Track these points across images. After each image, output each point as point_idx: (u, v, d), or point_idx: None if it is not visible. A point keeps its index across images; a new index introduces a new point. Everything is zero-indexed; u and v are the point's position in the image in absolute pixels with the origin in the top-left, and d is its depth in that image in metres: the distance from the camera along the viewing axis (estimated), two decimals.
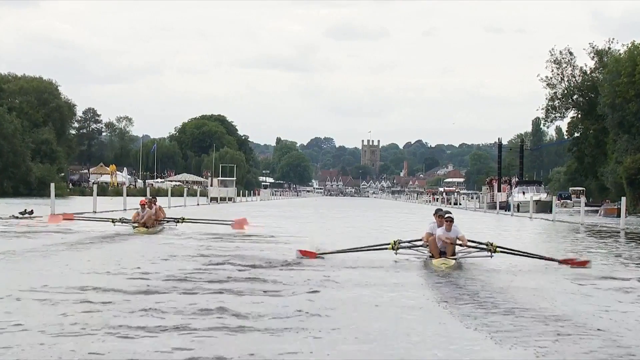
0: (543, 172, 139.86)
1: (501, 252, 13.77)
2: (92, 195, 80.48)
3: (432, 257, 13.42)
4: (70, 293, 9.02)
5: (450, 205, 78.51)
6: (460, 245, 13.60)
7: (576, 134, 73.93)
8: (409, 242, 14.40)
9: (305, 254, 14.24)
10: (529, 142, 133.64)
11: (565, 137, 77.93)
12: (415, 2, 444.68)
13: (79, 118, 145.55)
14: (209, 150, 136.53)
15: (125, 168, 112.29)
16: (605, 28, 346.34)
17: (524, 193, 61.64)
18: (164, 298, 8.79)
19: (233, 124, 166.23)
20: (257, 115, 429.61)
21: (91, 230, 20.40)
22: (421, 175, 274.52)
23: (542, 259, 14.48)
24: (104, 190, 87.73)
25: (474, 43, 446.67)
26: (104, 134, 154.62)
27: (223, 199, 72.02)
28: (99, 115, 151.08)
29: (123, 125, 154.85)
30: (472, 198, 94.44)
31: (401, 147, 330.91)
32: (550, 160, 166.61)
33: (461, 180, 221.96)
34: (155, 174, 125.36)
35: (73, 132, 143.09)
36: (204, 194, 76.71)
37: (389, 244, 14.04)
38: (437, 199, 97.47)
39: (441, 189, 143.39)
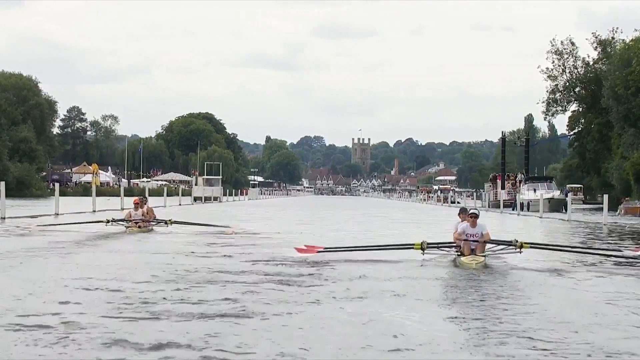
0: (537, 170, 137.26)
1: (530, 247, 13.44)
2: (73, 195, 78.07)
3: (460, 254, 13.17)
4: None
5: (447, 203, 75.46)
6: (483, 242, 13.23)
7: (577, 129, 70.38)
8: (439, 243, 14.18)
9: (302, 251, 13.89)
10: (524, 139, 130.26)
11: (566, 132, 73.65)
12: (402, 1, 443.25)
13: (63, 117, 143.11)
14: (196, 149, 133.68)
15: (109, 167, 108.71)
16: (591, 26, 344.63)
17: (534, 190, 56.12)
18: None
19: (221, 122, 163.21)
20: (247, 114, 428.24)
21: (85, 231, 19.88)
22: (412, 174, 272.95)
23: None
24: (87, 190, 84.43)
25: (462, 41, 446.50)
26: (88, 132, 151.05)
27: (208, 199, 67.86)
28: (83, 114, 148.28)
29: (108, 123, 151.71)
30: (467, 196, 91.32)
31: (392, 145, 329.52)
32: (543, 157, 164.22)
33: (453, 178, 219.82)
34: (141, 173, 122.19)
35: (57, 130, 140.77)
36: (188, 193, 73.25)
37: (414, 243, 13.63)
38: (432, 197, 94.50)
39: (436, 187, 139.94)
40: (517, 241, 13.30)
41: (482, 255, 12.91)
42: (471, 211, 13.75)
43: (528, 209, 50.45)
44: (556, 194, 55.92)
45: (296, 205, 62.70)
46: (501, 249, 13.64)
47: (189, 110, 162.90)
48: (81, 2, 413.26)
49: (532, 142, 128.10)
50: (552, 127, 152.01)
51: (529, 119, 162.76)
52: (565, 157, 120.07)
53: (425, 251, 13.50)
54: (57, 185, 31.76)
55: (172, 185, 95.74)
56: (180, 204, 51.67)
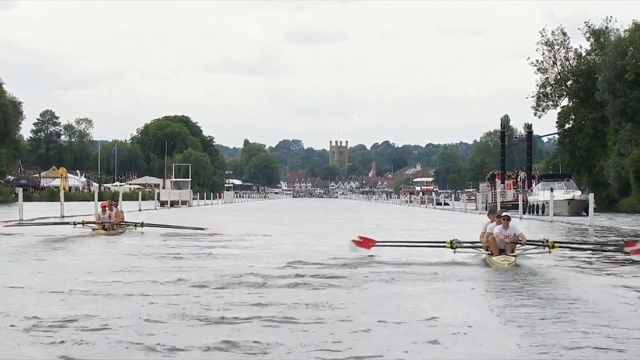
0: (517, 170, 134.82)
1: (559, 247, 13.94)
2: (40, 200, 74.11)
3: (491, 254, 13.39)
4: None
5: (432, 206, 72.43)
6: (519, 242, 13.54)
7: (567, 125, 66.88)
8: (468, 242, 14.79)
9: (359, 244, 14.47)
10: (508, 139, 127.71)
11: (555, 128, 69.92)
12: (369, 5, 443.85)
13: (37, 120, 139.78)
14: (173, 152, 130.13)
15: (77, 171, 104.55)
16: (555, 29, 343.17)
17: (551, 190, 44.77)
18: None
19: (197, 124, 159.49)
20: (224, 118, 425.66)
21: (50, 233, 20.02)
22: (390, 176, 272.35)
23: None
24: (54, 195, 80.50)
25: (431, 44, 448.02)
26: (62, 137, 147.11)
27: (176, 203, 63.28)
28: (57, 118, 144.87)
29: (83, 127, 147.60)
30: (449, 197, 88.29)
31: (369, 147, 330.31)
32: (520, 157, 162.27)
33: (430, 179, 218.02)
34: (114, 177, 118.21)
35: (30, 135, 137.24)
36: (153, 197, 68.73)
37: (445, 242, 14.31)
38: (415, 198, 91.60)
39: (418, 189, 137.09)
40: (547, 241, 13.79)
41: (512, 255, 13.15)
42: (504, 214, 13.93)
43: (542, 212, 44.48)
44: (577, 194, 47.51)
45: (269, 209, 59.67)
46: (532, 249, 13.95)
47: (164, 114, 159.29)
48: (53, 8, 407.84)
49: (512, 141, 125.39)
50: (528, 127, 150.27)
51: (505, 120, 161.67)
52: (548, 156, 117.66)
53: (455, 250, 14.18)
54: None
55: (146, 189, 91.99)
56: (140, 210, 45.44)
